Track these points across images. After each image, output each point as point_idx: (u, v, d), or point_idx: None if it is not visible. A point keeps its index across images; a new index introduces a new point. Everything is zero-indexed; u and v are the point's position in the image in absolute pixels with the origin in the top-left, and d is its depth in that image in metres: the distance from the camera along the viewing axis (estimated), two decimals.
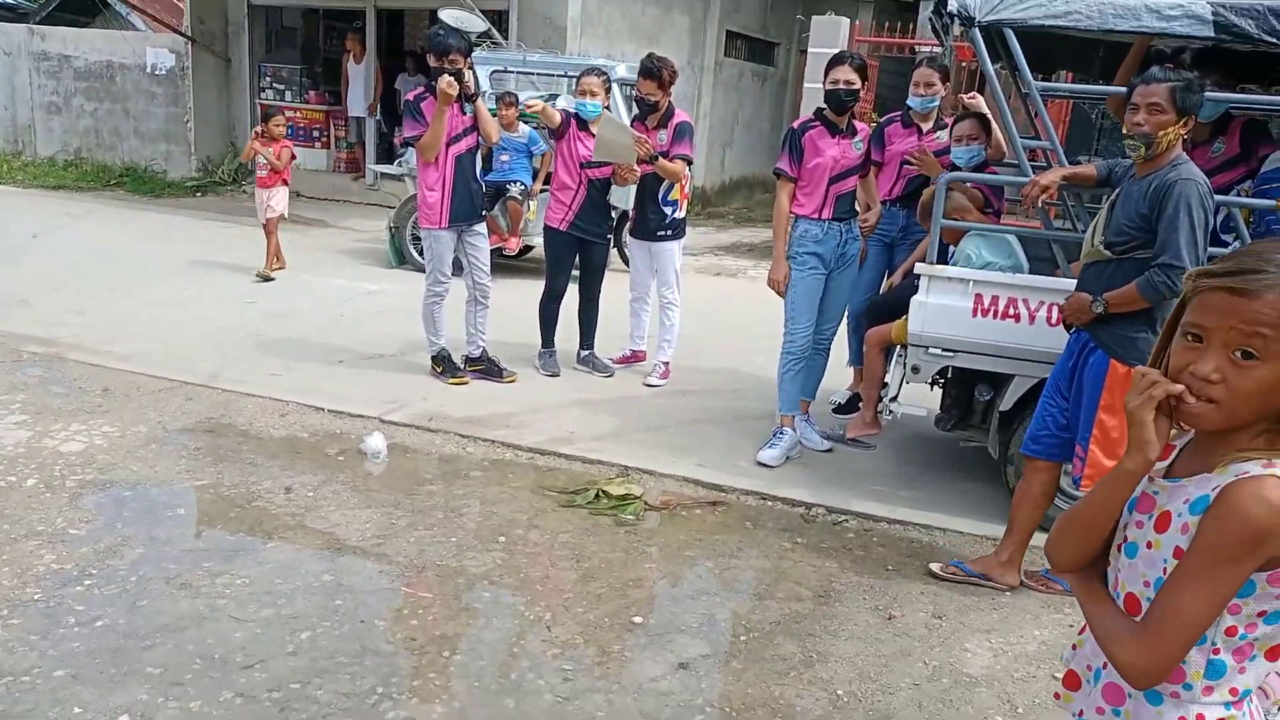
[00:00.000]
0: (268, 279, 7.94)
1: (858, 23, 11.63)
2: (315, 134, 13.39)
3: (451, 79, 5.04)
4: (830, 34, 10.31)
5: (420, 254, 8.53)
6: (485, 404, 5.27)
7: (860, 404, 4.95)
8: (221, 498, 4.04)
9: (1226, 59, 3.98)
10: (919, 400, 4.52)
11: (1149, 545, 1.36)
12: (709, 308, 8.19)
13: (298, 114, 13.30)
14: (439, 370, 5.63)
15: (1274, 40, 3.37)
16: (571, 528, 3.93)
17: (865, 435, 4.76)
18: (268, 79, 13.45)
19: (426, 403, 5.23)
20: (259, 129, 8.28)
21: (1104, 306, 3.26)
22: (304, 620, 3.17)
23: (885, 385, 4.46)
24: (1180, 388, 1.29)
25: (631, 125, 5.65)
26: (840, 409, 5.40)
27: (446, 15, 8.79)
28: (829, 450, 4.92)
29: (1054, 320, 3.76)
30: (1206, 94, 3.23)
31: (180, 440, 4.60)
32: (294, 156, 8.45)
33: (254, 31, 13.49)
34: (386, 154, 12.49)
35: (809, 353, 4.83)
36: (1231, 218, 3.85)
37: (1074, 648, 1.57)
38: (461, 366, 5.65)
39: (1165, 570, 1.32)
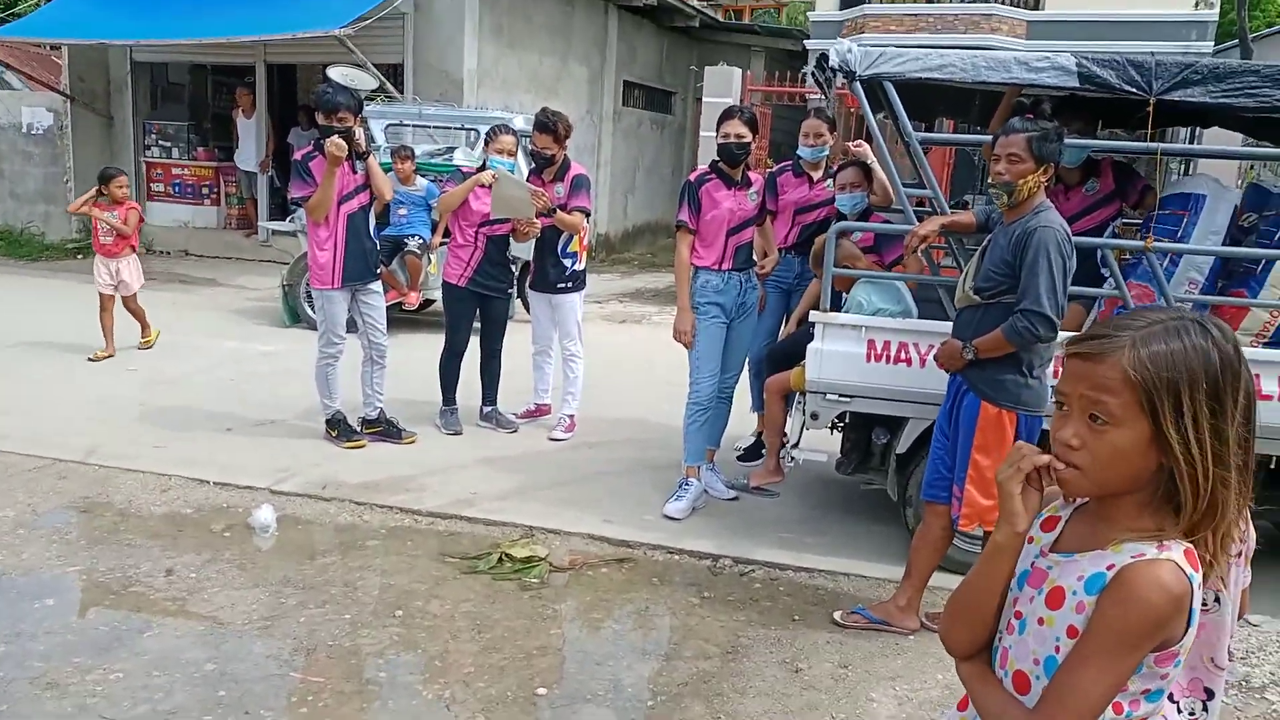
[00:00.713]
0: (148, 346, 7.53)
1: (748, 72, 11.92)
2: (205, 191, 13.02)
3: (340, 139, 4.92)
4: (723, 84, 10.54)
5: (314, 311, 8.33)
6: (383, 468, 5.10)
7: (763, 450, 4.96)
8: (95, 584, 3.79)
9: (1088, 106, 4.17)
10: (821, 446, 4.55)
11: (1040, 621, 1.33)
12: (615, 356, 8.17)
13: (186, 170, 12.93)
14: (334, 434, 5.44)
15: (1133, 90, 3.54)
16: (473, 595, 3.80)
17: (769, 483, 4.76)
18: (153, 136, 13.06)
19: (320, 470, 5.03)
20: (98, 189, 7.27)
21: (974, 353, 3.35)
22: (184, 716, 2.97)
23: (786, 433, 4.48)
24: (1045, 459, 1.30)
25: (529, 179, 5.62)
26: (744, 456, 5.40)
27: (335, 73, 8.68)
28: (735, 499, 4.91)
29: None
30: (1069, 141, 3.36)
31: (51, 523, 4.31)
32: (141, 219, 7.61)
33: (138, 88, 13.10)
34: (281, 209, 12.20)
35: (714, 402, 4.83)
36: (1106, 255, 3.99)
37: None
38: (358, 430, 5.47)
39: (1057, 649, 1.30)
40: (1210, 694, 1.33)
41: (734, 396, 5.01)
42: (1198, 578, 1.26)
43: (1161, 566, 1.24)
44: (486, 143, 5.64)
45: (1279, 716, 3.27)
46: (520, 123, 8.25)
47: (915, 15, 12.76)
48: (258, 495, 4.66)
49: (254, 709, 3.01)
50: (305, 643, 3.41)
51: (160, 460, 5.06)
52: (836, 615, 3.75)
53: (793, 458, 4.34)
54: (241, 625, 3.52)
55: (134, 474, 4.89)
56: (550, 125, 5.38)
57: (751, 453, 5.39)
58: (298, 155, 5.15)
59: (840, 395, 4.10)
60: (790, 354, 4.57)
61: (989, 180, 3.28)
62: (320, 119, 5.06)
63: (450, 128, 8.95)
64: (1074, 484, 1.29)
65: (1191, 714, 1.61)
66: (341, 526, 4.44)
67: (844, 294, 4.42)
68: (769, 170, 5.48)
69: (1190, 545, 1.27)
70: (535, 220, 5.38)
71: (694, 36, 17.43)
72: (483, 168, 5.55)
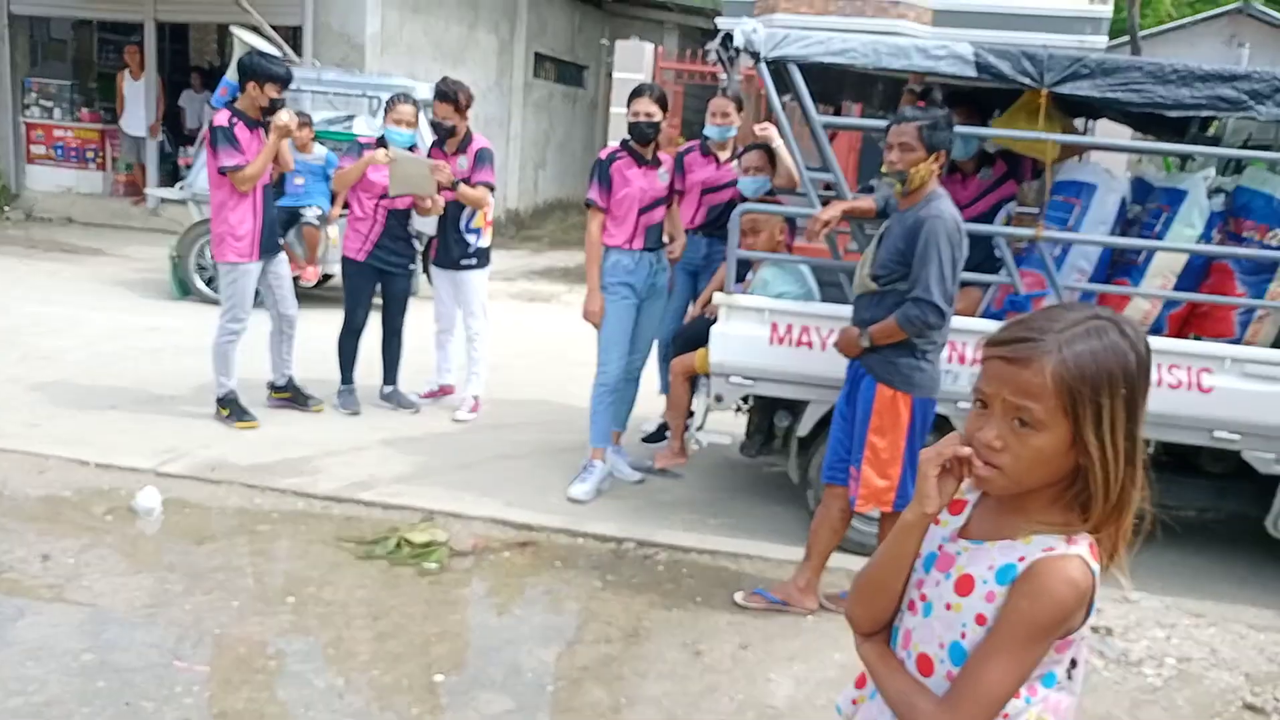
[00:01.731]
0: None
1: (660, 48, 11.86)
2: (90, 155, 12.33)
3: (292, 112, 4.98)
4: (634, 59, 10.46)
5: (207, 284, 8.03)
6: (276, 449, 4.92)
7: (669, 432, 4.97)
8: None
9: (985, 97, 4.26)
10: (725, 428, 4.58)
11: (948, 607, 1.35)
12: (522, 336, 8.08)
13: (70, 133, 12.22)
14: (225, 414, 5.23)
15: (1027, 81, 3.63)
16: (369, 581, 3.71)
17: (673, 465, 4.77)
18: (33, 95, 12.28)
19: (209, 451, 4.83)
20: None
21: (869, 340, 3.41)
22: (59, 708, 2.83)
23: (692, 414, 4.49)
24: (968, 451, 1.30)
25: (430, 152, 5.47)
26: (650, 438, 5.40)
27: (244, 34, 8.28)
28: (640, 481, 4.90)
29: None
30: (961, 130, 3.42)
31: None
32: None
33: (16, 44, 12.27)
34: (171, 176, 11.65)
35: (621, 383, 4.81)
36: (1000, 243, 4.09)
37: (854, 702, 1.56)
38: (248, 411, 5.28)
39: (963, 635, 1.32)
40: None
41: (640, 378, 5.00)
42: (1098, 569, 1.30)
43: (1070, 561, 1.27)
44: (385, 112, 5.45)
45: (1155, 689, 3.43)
46: (424, 91, 8.03)
47: None
48: (142, 477, 4.44)
49: (134, 700, 2.88)
50: (190, 631, 3.28)
51: (36, 439, 4.79)
52: (738, 596, 3.79)
53: (697, 440, 4.35)
54: (123, 613, 3.36)
55: (7, 454, 4.61)
56: (450, 94, 5.25)
57: (658, 435, 5.39)
58: (220, 121, 4.92)
59: (743, 378, 4.12)
60: (696, 336, 4.56)
61: (883, 168, 3.32)
62: (272, 91, 4.92)
63: (351, 94, 8.65)
64: (993, 483, 1.31)
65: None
66: (231, 510, 4.27)
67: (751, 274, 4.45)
68: (676, 150, 5.45)
69: (1094, 539, 1.31)
70: (437, 196, 5.26)
71: (607, 10, 17.27)
72: (382, 141, 5.37)
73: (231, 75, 5.26)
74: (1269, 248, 3.95)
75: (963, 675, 1.31)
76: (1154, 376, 3.81)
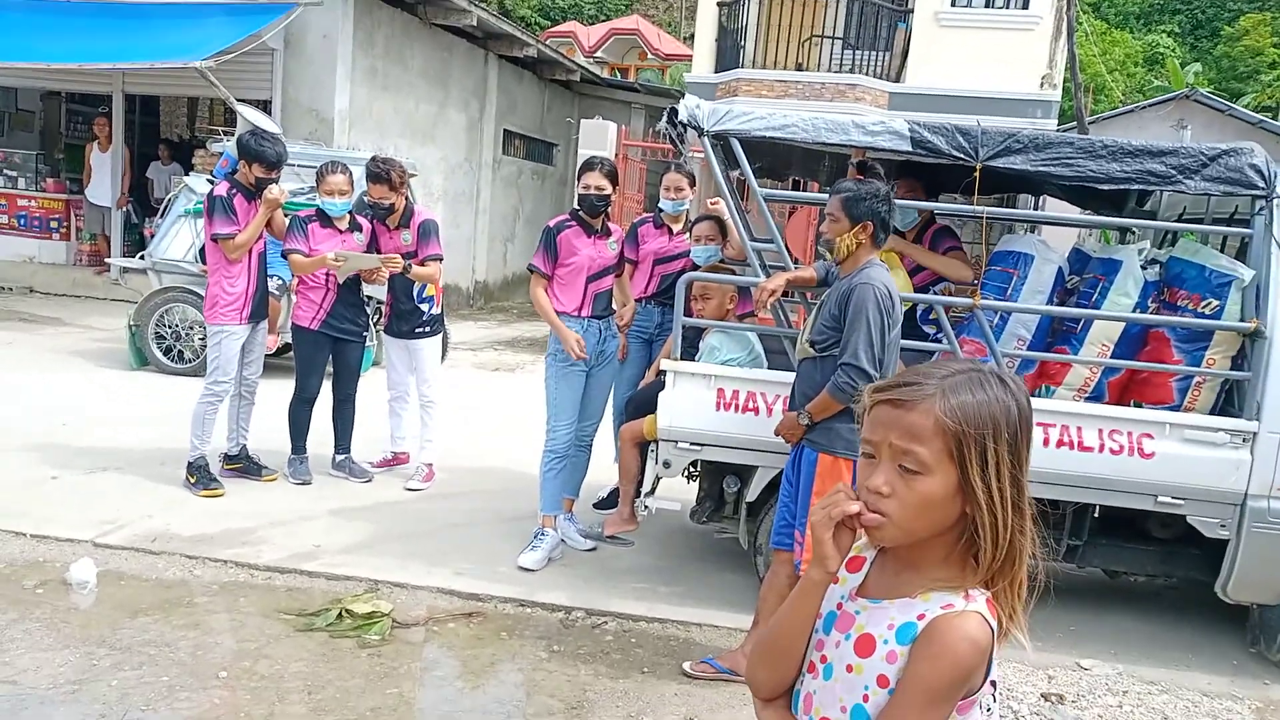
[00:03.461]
0: None
1: (624, 127, 12.13)
2: (54, 224, 12.31)
3: (283, 188, 5.22)
4: (599, 137, 10.67)
5: (165, 354, 7.97)
6: (221, 519, 4.83)
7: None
8: None
9: (928, 172, 4.38)
10: (676, 494, 4.56)
11: (849, 668, 1.33)
12: (483, 404, 8.05)
13: (34, 203, 12.22)
14: (193, 481, 5.18)
15: (961, 156, 3.74)
16: (307, 654, 3.61)
17: (623, 531, 4.73)
18: None
19: (152, 521, 4.73)
20: None
21: (809, 418, 3.43)
22: None
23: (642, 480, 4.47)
24: (857, 507, 1.29)
25: (371, 223, 5.51)
26: (601, 504, 5.36)
27: (247, 111, 8.41)
28: (592, 549, 4.86)
29: None
30: (900, 202, 3.51)
31: None
32: None
33: None
34: (136, 246, 11.63)
35: (571, 450, 4.80)
36: (934, 310, 4.15)
37: None
38: (216, 479, 5.23)
39: (865, 697, 1.30)
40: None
41: (593, 446, 4.99)
42: (996, 625, 1.29)
43: (969, 619, 1.26)
44: (317, 183, 5.43)
45: None
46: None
47: (785, 82, 13.24)
48: (79, 548, 4.34)
49: None
50: (114, 708, 3.16)
51: None
52: (686, 666, 3.73)
53: (646, 506, 4.33)
54: (45, 689, 3.24)
55: None
56: (383, 175, 5.29)
57: (610, 501, 5.35)
58: (220, 192, 5.17)
59: (691, 443, 4.13)
60: (648, 402, 4.57)
61: (820, 239, 3.40)
62: (259, 171, 5.13)
63: (315, 167, 8.71)
64: (882, 532, 1.30)
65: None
66: (169, 582, 4.17)
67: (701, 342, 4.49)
68: (632, 222, 5.55)
69: (991, 595, 1.30)
70: (384, 269, 5.31)
71: (576, 90, 17.65)
72: (320, 212, 5.39)
73: (232, 149, 5.47)
74: (1203, 316, 4.04)
75: None
76: (1097, 441, 3.81)
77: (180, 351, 8.00)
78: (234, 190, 5.16)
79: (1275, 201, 3.88)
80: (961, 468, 1.25)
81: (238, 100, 9.07)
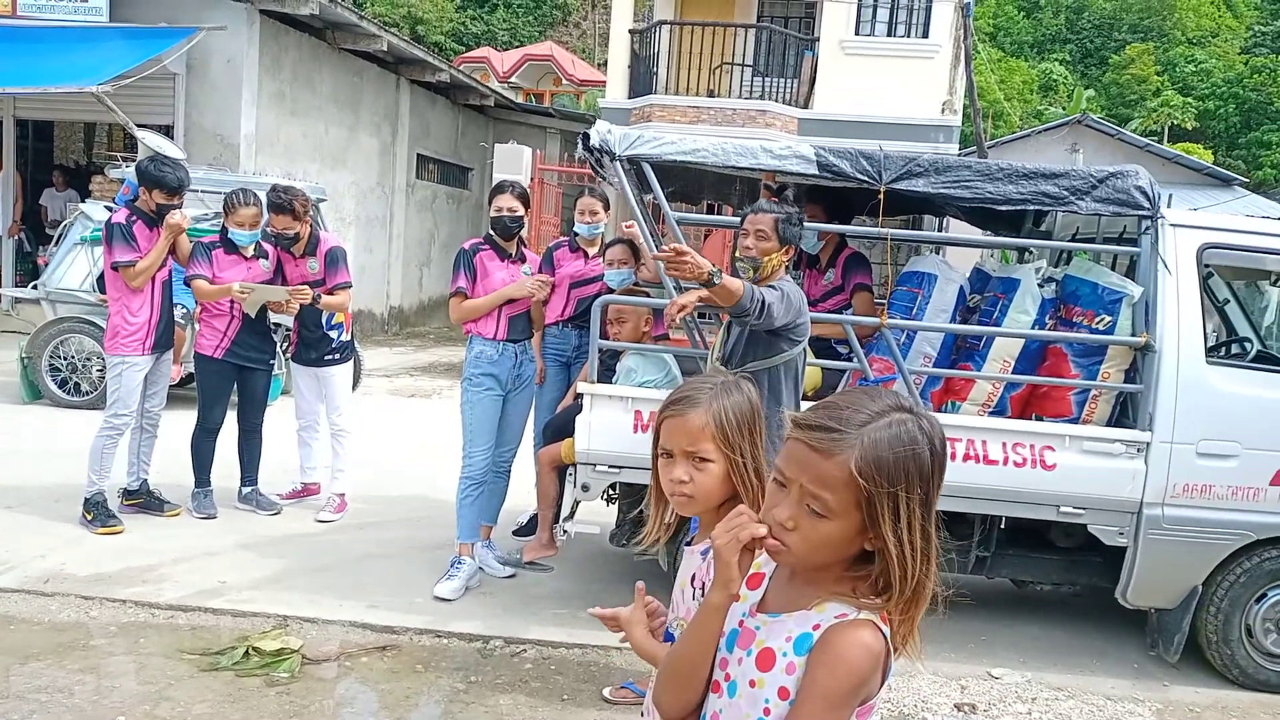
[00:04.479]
0: None
1: (539, 151, 12.14)
2: None
3: (186, 214, 5.08)
4: (514, 161, 10.65)
5: (60, 386, 7.63)
6: (120, 557, 4.62)
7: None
8: None
9: (828, 196, 4.49)
10: (595, 518, 4.54)
11: (751, 684, 1.34)
12: (398, 432, 7.91)
13: None
14: (90, 518, 4.95)
15: (865, 179, 3.84)
16: (212, 695, 3.47)
17: (542, 557, 4.69)
18: None
19: (44, 562, 4.50)
20: None
21: (720, 276, 3.41)
22: None
23: (561, 505, 4.44)
24: (763, 531, 1.31)
25: (276, 250, 5.38)
26: (521, 531, 5.31)
27: (148, 137, 8.16)
28: (510, 576, 4.79)
29: None
30: (809, 225, 3.59)
31: None
32: None
33: None
34: (30, 275, 11.13)
35: (488, 476, 4.74)
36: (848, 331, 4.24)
37: None
38: (114, 516, 5.02)
39: (767, 710, 1.32)
40: None
41: (511, 471, 4.93)
42: (889, 632, 1.32)
43: (863, 627, 1.29)
44: (225, 212, 5.28)
45: None
46: (303, 188, 7.96)
47: (698, 108, 13.46)
48: None
49: None
50: None
51: None
52: (606, 692, 3.70)
53: (565, 530, 4.30)
54: None
55: None
56: (286, 206, 5.15)
57: (530, 528, 5.30)
58: (119, 218, 5.03)
59: (610, 466, 4.12)
60: (566, 425, 4.56)
61: (737, 254, 3.44)
62: (160, 197, 4.99)
63: (222, 193, 8.49)
64: (784, 557, 1.33)
65: None
66: (62, 625, 3.96)
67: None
68: (548, 246, 5.54)
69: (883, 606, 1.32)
70: (293, 300, 5.19)
71: (490, 115, 17.62)
72: (225, 236, 5.25)
73: (133, 175, 5.36)
74: (1097, 332, 4.21)
75: None
76: (1001, 455, 3.91)
77: (77, 384, 7.67)
78: (134, 217, 5.01)
79: (1160, 221, 4.08)
80: (869, 516, 1.27)
81: (138, 125, 8.80)
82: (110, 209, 5.72)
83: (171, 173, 5.00)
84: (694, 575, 1.69)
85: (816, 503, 1.27)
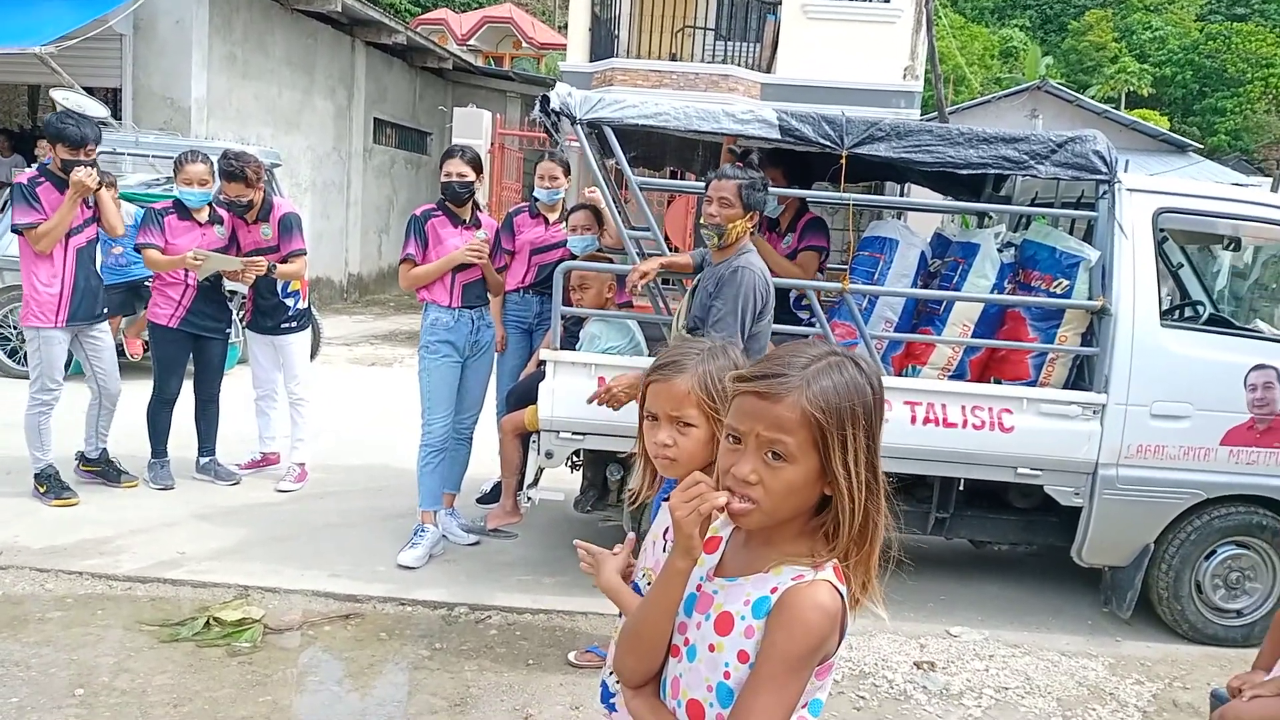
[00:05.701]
0: None
1: (499, 115, 11.97)
2: None
3: (91, 170, 4.67)
4: (473, 125, 10.51)
5: (9, 356, 7.44)
6: (74, 529, 4.54)
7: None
8: None
9: (789, 160, 4.47)
10: (559, 484, 4.53)
11: (711, 648, 1.36)
12: (359, 400, 7.83)
13: None
14: (43, 491, 4.86)
15: (827, 143, 3.83)
16: (172, 666, 3.43)
17: (506, 524, 4.68)
18: None
19: None
20: None
21: None
22: None
23: (524, 472, 4.43)
24: (723, 500, 1.32)
25: (229, 216, 5.26)
26: (485, 499, 5.29)
27: (62, 96, 7.87)
28: (475, 543, 4.78)
29: None
30: (772, 190, 3.58)
31: None
32: None
33: None
34: None
35: (449, 444, 4.70)
36: (805, 295, 4.25)
37: None
38: (68, 488, 4.92)
39: (727, 674, 1.33)
40: None
41: (473, 438, 4.91)
42: (845, 591, 1.34)
43: (819, 587, 1.31)
44: (175, 173, 5.15)
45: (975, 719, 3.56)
46: (256, 153, 7.78)
47: (660, 72, 13.31)
48: None
49: None
50: None
51: None
52: (571, 656, 3.72)
53: (529, 497, 4.29)
54: None
55: None
56: (239, 173, 5.02)
57: (494, 495, 5.29)
58: (22, 179, 4.78)
59: (574, 433, 4.11)
60: (529, 392, 4.52)
61: (701, 221, 3.43)
62: (62, 152, 4.66)
63: (172, 158, 8.28)
64: (749, 519, 1.33)
65: None
66: (17, 597, 3.89)
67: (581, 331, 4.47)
68: (508, 211, 5.48)
69: (839, 564, 1.34)
70: (248, 273, 5.08)
71: (449, 79, 17.33)
72: (178, 203, 5.12)
73: None
74: (1055, 296, 4.26)
75: (732, 716, 1.32)
76: (960, 418, 3.96)
77: (26, 354, 7.47)
78: (41, 178, 4.74)
79: (1117, 186, 4.12)
80: (823, 454, 1.30)
81: (58, 89, 8.44)
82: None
83: (74, 126, 4.68)
84: (667, 529, 1.69)
85: (777, 446, 1.29)
